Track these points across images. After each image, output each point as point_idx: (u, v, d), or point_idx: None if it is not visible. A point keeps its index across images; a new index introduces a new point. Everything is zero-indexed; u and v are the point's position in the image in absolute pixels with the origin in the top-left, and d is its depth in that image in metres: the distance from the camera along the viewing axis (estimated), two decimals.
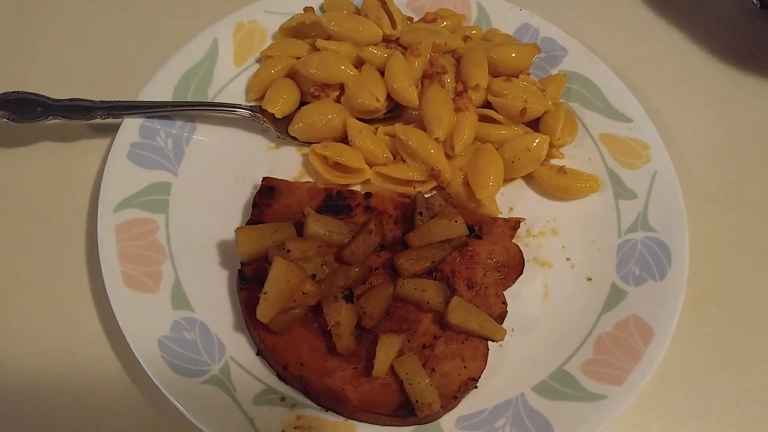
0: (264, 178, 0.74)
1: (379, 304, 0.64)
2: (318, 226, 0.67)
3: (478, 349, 0.65)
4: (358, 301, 0.64)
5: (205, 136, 0.80)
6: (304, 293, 0.61)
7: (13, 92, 0.75)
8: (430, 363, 0.63)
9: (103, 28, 0.93)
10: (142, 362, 0.60)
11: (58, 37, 0.91)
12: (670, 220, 0.74)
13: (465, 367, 0.64)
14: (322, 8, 0.91)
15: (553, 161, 0.81)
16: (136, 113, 0.76)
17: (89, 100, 0.77)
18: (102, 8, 0.95)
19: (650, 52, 0.99)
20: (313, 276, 0.63)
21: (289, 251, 0.64)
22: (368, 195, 0.74)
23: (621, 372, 0.64)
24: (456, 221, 0.69)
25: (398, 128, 0.77)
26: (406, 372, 0.61)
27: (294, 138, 0.80)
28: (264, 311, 0.60)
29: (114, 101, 0.77)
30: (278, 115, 0.79)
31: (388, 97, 0.78)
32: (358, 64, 0.80)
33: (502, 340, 0.66)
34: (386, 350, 0.62)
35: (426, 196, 0.74)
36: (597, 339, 0.68)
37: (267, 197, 0.72)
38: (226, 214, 0.74)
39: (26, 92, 0.75)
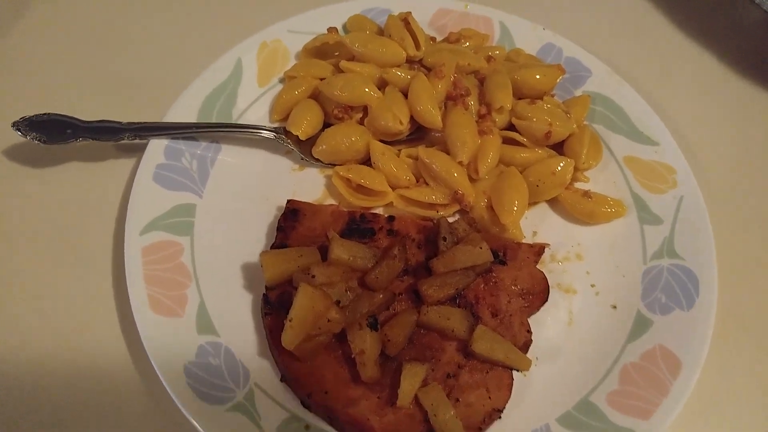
0: (288, 201, 0.74)
1: (404, 332, 0.64)
2: (342, 251, 0.66)
3: (502, 379, 0.65)
4: (382, 329, 0.64)
5: (230, 156, 0.80)
6: (329, 320, 0.61)
7: (44, 114, 0.76)
8: (454, 393, 0.63)
9: (130, 51, 0.95)
10: (169, 390, 0.60)
11: (86, 60, 0.93)
12: (697, 247, 0.73)
13: (489, 397, 0.63)
14: (345, 28, 0.91)
15: (578, 185, 0.80)
16: (162, 134, 0.77)
17: (117, 122, 0.77)
18: (128, 31, 0.97)
19: (677, 73, 0.98)
20: (338, 302, 0.63)
21: (314, 276, 0.64)
22: (391, 218, 0.74)
23: (648, 405, 0.64)
24: (481, 248, 0.68)
25: (421, 151, 0.76)
26: (431, 403, 0.61)
27: (317, 159, 0.80)
28: (289, 338, 0.60)
29: (141, 123, 0.77)
30: (302, 137, 0.79)
31: (412, 118, 0.78)
32: (382, 85, 0.80)
33: (528, 370, 0.65)
34: (411, 380, 0.61)
35: (449, 220, 0.73)
36: (623, 369, 0.67)
37: (291, 220, 0.72)
38: (250, 236, 0.74)
39: (57, 114, 0.76)
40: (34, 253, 0.74)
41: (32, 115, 0.76)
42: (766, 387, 0.71)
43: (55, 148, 0.77)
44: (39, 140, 0.74)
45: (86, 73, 0.91)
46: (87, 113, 0.78)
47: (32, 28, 0.95)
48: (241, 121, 0.82)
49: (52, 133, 0.75)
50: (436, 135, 0.79)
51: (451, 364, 0.65)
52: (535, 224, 0.78)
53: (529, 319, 0.69)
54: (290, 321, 0.60)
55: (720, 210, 0.82)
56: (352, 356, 0.61)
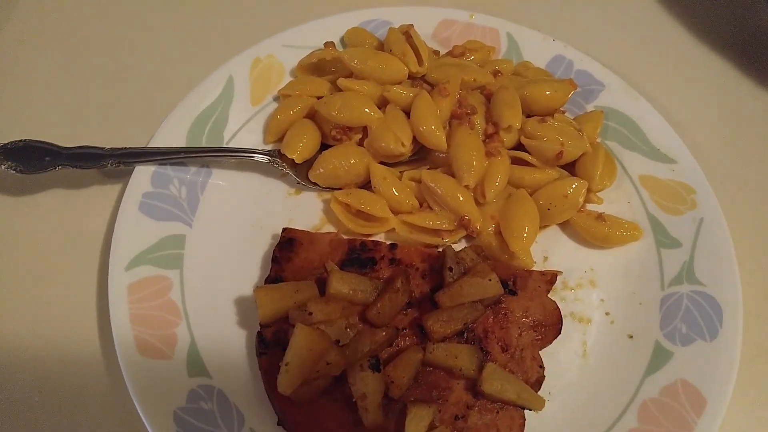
0: (284, 230, 0.70)
1: (408, 373, 0.60)
2: (341, 284, 0.63)
3: (514, 419, 0.61)
4: (385, 369, 0.60)
5: (222, 182, 0.76)
6: (328, 363, 0.57)
7: (20, 141, 0.71)
8: None
9: (112, 69, 0.90)
10: None
11: (66, 82, 0.88)
12: (719, 273, 0.69)
13: None
14: (343, 42, 0.87)
15: (591, 206, 0.76)
16: (148, 160, 0.73)
17: (99, 148, 0.73)
18: (109, 49, 0.92)
19: (695, 86, 0.93)
20: (337, 341, 0.59)
21: (311, 314, 0.60)
22: (393, 246, 0.69)
23: None
24: (490, 279, 0.64)
25: (425, 174, 0.72)
26: None
27: (315, 183, 0.76)
28: (286, 383, 0.56)
29: (125, 148, 0.73)
30: (298, 161, 0.75)
31: (414, 139, 0.74)
32: (382, 104, 0.76)
33: (541, 409, 0.61)
34: (416, 424, 0.57)
35: (456, 247, 0.69)
36: (642, 406, 0.63)
37: (287, 251, 0.68)
38: (243, 268, 0.70)
39: (33, 140, 0.72)
40: (11, 291, 0.70)
41: (7, 142, 0.71)
42: None
43: (32, 178, 0.73)
44: (15, 169, 0.70)
45: (66, 96, 0.87)
46: (67, 139, 0.73)
47: (6, 48, 0.91)
48: (233, 144, 0.78)
49: (29, 161, 0.71)
50: (441, 156, 0.75)
51: (459, 404, 0.61)
52: (546, 249, 0.74)
53: (541, 352, 0.65)
54: (286, 365, 0.56)
55: (743, 232, 0.77)
56: (354, 400, 0.57)
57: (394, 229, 0.73)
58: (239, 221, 0.73)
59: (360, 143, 0.76)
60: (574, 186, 0.72)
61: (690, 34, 1.00)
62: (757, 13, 1.01)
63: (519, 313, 0.66)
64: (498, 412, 0.61)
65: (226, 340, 0.65)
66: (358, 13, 0.88)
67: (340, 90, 0.77)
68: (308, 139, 0.75)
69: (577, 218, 0.74)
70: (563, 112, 0.80)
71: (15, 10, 0.94)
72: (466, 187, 0.71)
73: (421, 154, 0.78)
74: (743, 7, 1.02)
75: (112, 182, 0.78)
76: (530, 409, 0.61)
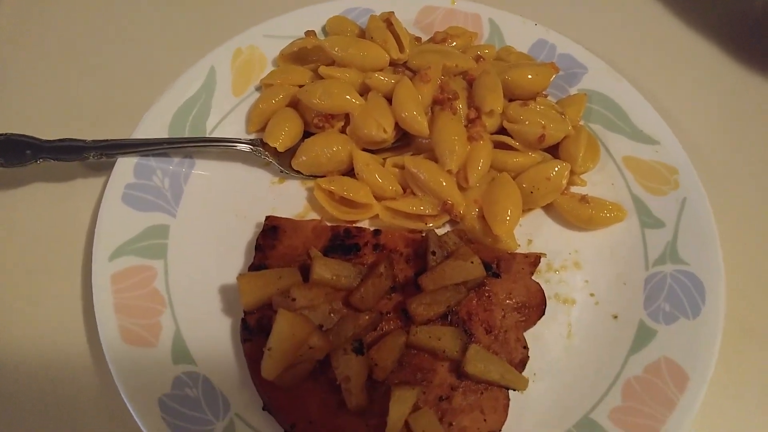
0: (267, 218, 0.70)
1: (392, 355, 0.60)
2: (324, 270, 0.63)
3: (498, 400, 0.61)
4: (369, 352, 0.60)
5: (205, 172, 0.76)
6: (311, 347, 0.57)
7: (0, 135, 0.71)
8: (447, 417, 0.59)
9: (93, 61, 0.89)
10: (141, 426, 0.57)
11: (45, 73, 0.88)
12: (702, 252, 0.70)
13: (485, 420, 0.60)
14: (324, 30, 0.87)
15: (574, 189, 0.76)
16: (131, 152, 0.73)
17: (81, 140, 0.73)
18: (90, 41, 0.92)
19: (677, 68, 0.93)
20: (320, 326, 0.60)
21: (294, 299, 0.61)
22: (377, 232, 0.70)
23: (653, 422, 0.60)
24: (472, 262, 0.64)
25: (408, 160, 0.72)
26: (422, 429, 0.57)
27: (298, 172, 0.76)
28: (269, 368, 0.56)
29: (107, 140, 0.73)
30: (280, 149, 0.75)
31: (397, 125, 0.74)
32: (364, 91, 0.76)
33: (525, 389, 0.62)
34: (400, 406, 0.58)
35: (439, 232, 0.69)
36: (626, 383, 0.64)
37: (270, 238, 0.68)
38: (227, 256, 0.70)
39: (14, 134, 0.72)
40: None
41: None
42: None
43: (13, 171, 0.73)
44: None
45: (46, 89, 0.86)
46: (48, 132, 0.73)
47: None
48: (215, 134, 0.78)
49: (9, 154, 0.71)
50: (423, 142, 0.75)
51: (443, 386, 0.61)
52: (530, 232, 0.75)
53: (525, 333, 0.66)
54: (269, 350, 0.56)
55: (726, 212, 0.77)
56: (338, 383, 0.58)
57: (377, 215, 0.73)
58: (223, 211, 0.74)
59: (342, 131, 0.76)
60: (556, 169, 0.72)
61: (673, 17, 1.00)
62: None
63: (503, 296, 0.67)
64: (482, 393, 0.61)
65: (211, 328, 0.65)
66: (339, 2, 0.87)
67: (321, 78, 0.77)
68: (291, 128, 0.76)
69: (561, 201, 0.74)
70: (546, 96, 0.80)
71: None
72: (449, 172, 0.71)
73: (403, 140, 0.78)
74: None
75: (94, 175, 0.78)
76: (514, 390, 0.62)
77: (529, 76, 0.77)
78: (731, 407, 0.66)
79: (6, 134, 0.71)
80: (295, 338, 0.56)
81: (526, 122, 0.73)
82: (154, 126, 0.75)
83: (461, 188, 0.72)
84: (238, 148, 0.75)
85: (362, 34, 0.84)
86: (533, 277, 0.69)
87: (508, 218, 0.69)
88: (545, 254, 0.71)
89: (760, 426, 0.65)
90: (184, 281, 0.67)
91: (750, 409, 0.66)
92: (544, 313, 0.67)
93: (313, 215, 0.74)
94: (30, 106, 0.84)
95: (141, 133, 0.74)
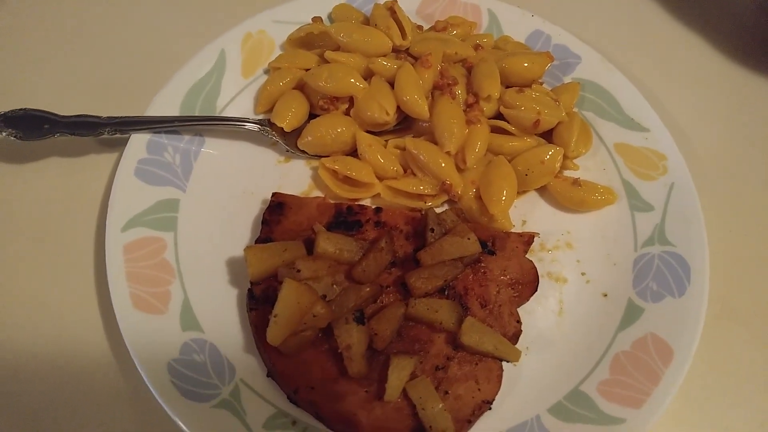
0: (273, 194, 0.73)
1: (391, 326, 0.63)
2: (328, 244, 0.65)
3: (492, 371, 0.64)
4: (369, 322, 0.63)
5: (214, 149, 0.79)
6: (314, 316, 0.60)
7: (20, 110, 0.74)
8: (443, 385, 0.62)
9: (109, 42, 0.92)
10: (152, 389, 0.59)
11: (63, 52, 0.91)
12: (688, 234, 0.73)
13: (479, 389, 0.63)
14: (330, 17, 0.89)
15: (567, 173, 0.79)
16: (144, 129, 0.75)
17: (96, 116, 0.76)
18: (107, 22, 0.95)
19: (666, 58, 0.97)
20: (324, 296, 0.62)
21: (299, 271, 0.63)
22: (378, 210, 0.72)
23: (639, 394, 0.63)
24: (469, 238, 0.67)
25: (408, 142, 0.75)
26: (419, 396, 0.60)
27: (303, 151, 0.79)
28: (274, 334, 0.59)
29: (121, 117, 0.76)
30: (287, 129, 0.78)
31: (398, 108, 0.77)
32: (368, 75, 0.79)
33: (517, 361, 0.64)
34: (398, 373, 0.61)
35: (438, 211, 0.72)
36: (614, 358, 0.67)
37: (276, 214, 0.71)
38: (235, 230, 0.73)
39: (33, 109, 0.75)
40: (13, 252, 0.73)
41: (7, 110, 0.74)
42: (757, 374, 0.70)
43: (32, 145, 0.76)
44: (15, 136, 0.73)
45: (64, 67, 0.89)
46: (65, 108, 0.76)
47: (6, 20, 0.93)
48: (225, 113, 0.81)
49: (28, 128, 0.73)
50: (424, 125, 0.78)
51: (439, 356, 0.64)
52: (525, 213, 0.78)
53: (519, 309, 0.69)
54: (275, 317, 0.59)
55: (711, 196, 0.81)
56: (339, 351, 0.61)
57: (379, 194, 0.76)
58: (231, 187, 0.76)
59: (346, 113, 0.79)
60: (550, 153, 0.75)
61: (665, 11, 1.03)
62: None
63: (497, 272, 0.70)
64: (477, 364, 0.64)
65: (218, 297, 0.68)
66: None
67: (327, 62, 0.79)
68: (297, 109, 0.78)
69: (555, 183, 0.77)
70: (541, 84, 0.83)
71: None
72: (448, 153, 0.74)
73: (405, 123, 0.80)
74: None
75: (108, 150, 0.80)
76: (507, 361, 0.64)
77: (526, 65, 0.80)
78: (713, 380, 0.69)
79: (25, 109, 0.74)
80: (300, 306, 0.59)
81: (522, 108, 0.76)
82: (166, 104, 0.78)
83: (459, 169, 0.75)
84: (246, 127, 0.78)
85: (366, 21, 0.86)
86: (527, 256, 0.72)
87: (503, 199, 0.72)
88: (538, 234, 0.75)
89: (740, 398, 0.68)
90: (192, 253, 0.70)
91: (730, 382, 0.69)
92: (537, 290, 0.70)
93: (317, 193, 0.77)
94: (49, 83, 0.87)
95: (154, 110, 0.77)
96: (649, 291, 0.70)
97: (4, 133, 0.72)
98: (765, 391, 0.69)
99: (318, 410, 0.60)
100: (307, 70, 0.80)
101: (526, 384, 0.66)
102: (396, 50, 0.81)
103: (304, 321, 0.60)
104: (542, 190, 0.79)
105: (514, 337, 0.67)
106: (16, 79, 0.87)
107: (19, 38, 0.91)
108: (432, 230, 0.69)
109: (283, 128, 0.77)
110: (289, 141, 0.79)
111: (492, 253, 0.70)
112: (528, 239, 0.72)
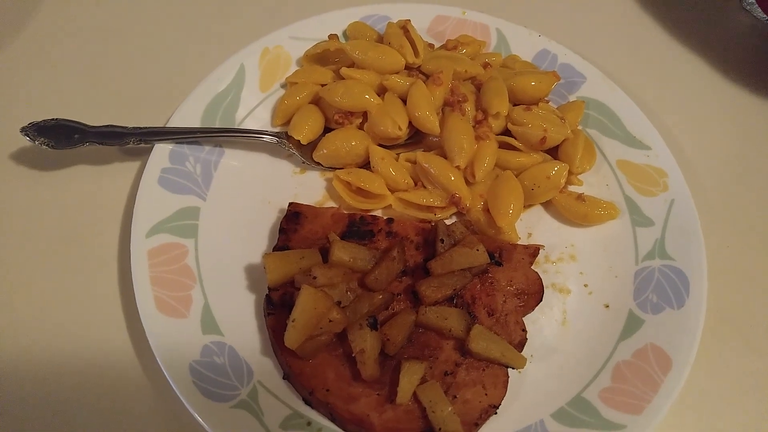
0: (290, 204, 0.75)
1: (402, 332, 0.66)
2: (343, 252, 0.68)
3: (498, 377, 0.67)
4: (382, 328, 0.66)
5: (233, 160, 0.82)
6: (330, 321, 0.63)
7: (52, 119, 0.77)
8: (451, 390, 0.65)
9: (135, 57, 0.96)
10: (175, 389, 0.62)
11: (93, 66, 0.94)
12: (687, 249, 0.75)
13: (486, 394, 0.65)
14: (345, 35, 0.93)
15: (572, 188, 0.82)
16: (167, 139, 0.79)
17: (123, 127, 0.79)
18: (133, 38, 0.99)
19: (669, 78, 1.00)
20: (339, 303, 0.65)
21: (315, 278, 0.66)
22: (390, 221, 0.75)
23: (640, 401, 0.65)
24: (477, 249, 0.70)
25: (419, 155, 0.78)
26: (429, 400, 0.63)
27: (318, 163, 0.82)
28: (292, 338, 0.62)
29: (146, 127, 0.79)
30: (303, 142, 0.80)
31: (410, 124, 0.80)
32: (381, 91, 0.82)
33: (523, 367, 0.67)
34: (409, 377, 0.63)
35: (447, 222, 0.75)
36: (615, 367, 0.69)
37: (293, 222, 0.74)
38: (253, 238, 0.76)
39: (64, 119, 0.78)
40: (42, 256, 0.76)
41: (40, 120, 0.77)
42: (753, 383, 0.73)
43: (62, 153, 0.79)
44: (47, 145, 0.76)
45: (93, 79, 0.93)
46: (94, 118, 0.80)
47: (40, 35, 0.97)
48: (243, 126, 0.84)
49: (59, 138, 0.77)
50: (434, 140, 0.81)
51: (448, 362, 0.67)
52: (530, 226, 0.80)
53: (524, 319, 0.71)
54: (293, 321, 0.61)
55: (710, 212, 0.84)
56: (353, 355, 0.63)
57: (390, 205, 0.78)
58: (249, 196, 0.79)
59: (360, 127, 0.82)
60: (556, 168, 0.78)
61: (665, 33, 1.07)
62: (730, 15, 1.08)
63: (504, 282, 0.72)
64: (484, 370, 0.67)
65: (237, 303, 0.71)
66: (360, 8, 0.94)
67: (342, 78, 0.83)
68: (313, 123, 0.81)
69: (559, 198, 0.80)
70: (547, 102, 0.86)
71: (43, 3, 1.00)
72: (457, 167, 0.77)
73: (416, 137, 0.84)
74: (717, 9, 1.09)
75: (133, 158, 0.84)
76: (513, 368, 0.67)
77: (533, 83, 0.83)
78: (710, 388, 0.72)
79: (57, 119, 0.77)
80: (317, 311, 0.62)
81: (529, 125, 0.80)
82: (188, 116, 0.81)
83: (468, 183, 0.78)
84: (264, 139, 0.81)
85: (380, 39, 0.90)
86: (532, 267, 0.74)
87: (510, 212, 0.75)
88: (543, 246, 0.78)
89: (736, 405, 0.71)
90: (212, 259, 0.73)
91: (726, 390, 0.72)
92: (541, 300, 0.72)
93: (332, 203, 0.80)
94: (79, 96, 0.91)
95: (176, 122, 0.80)
96: (650, 303, 0.73)
97: (36, 142, 0.75)
98: (759, 398, 0.72)
99: (332, 411, 0.63)
100: (323, 85, 0.83)
101: (531, 390, 0.68)
102: (408, 68, 0.85)
103: (320, 326, 0.62)
104: (547, 205, 0.82)
105: (520, 345, 0.69)
106: (49, 92, 0.91)
107: (52, 55, 0.95)
108: (442, 241, 0.71)
109: (299, 141, 0.80)
110: (305, 153, 0.82)
111: (499, 264, 0.73)
112: (534, 251, 0.75)
